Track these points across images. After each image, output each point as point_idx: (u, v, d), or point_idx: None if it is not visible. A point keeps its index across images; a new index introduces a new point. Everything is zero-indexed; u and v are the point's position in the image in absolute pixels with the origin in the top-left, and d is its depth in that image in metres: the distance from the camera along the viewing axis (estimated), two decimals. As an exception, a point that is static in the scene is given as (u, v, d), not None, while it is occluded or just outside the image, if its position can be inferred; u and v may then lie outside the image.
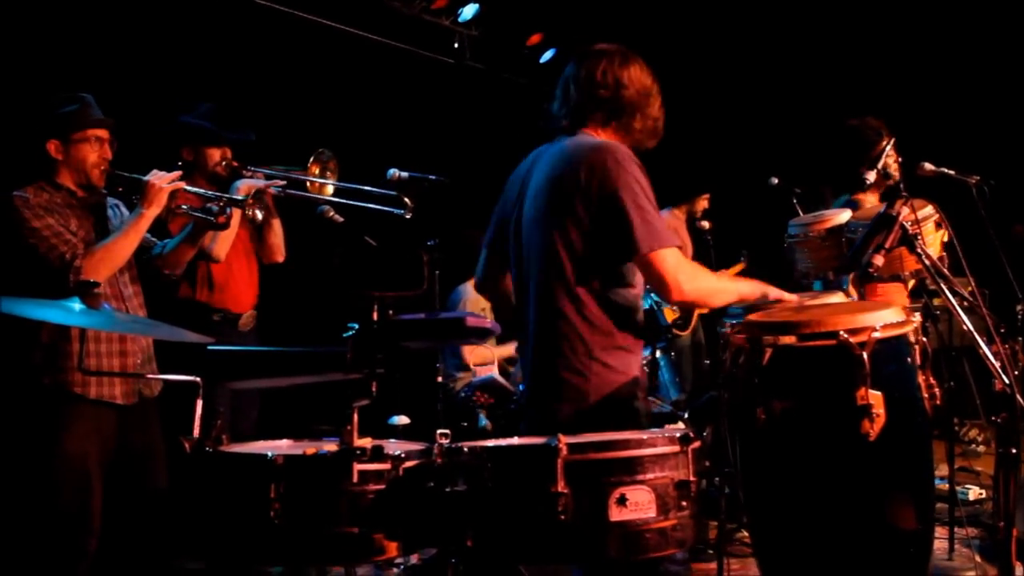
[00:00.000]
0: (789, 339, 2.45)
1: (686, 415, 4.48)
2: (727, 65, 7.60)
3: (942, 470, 6.17)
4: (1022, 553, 4.39)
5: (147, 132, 4.14)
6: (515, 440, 2.16)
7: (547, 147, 2.68)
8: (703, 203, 6.24)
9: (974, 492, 5.47)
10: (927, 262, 2.75)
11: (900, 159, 4.43)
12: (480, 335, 1.97)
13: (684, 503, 2.02)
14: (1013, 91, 7.62)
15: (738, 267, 6.41)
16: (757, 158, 6.29)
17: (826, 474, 2.45)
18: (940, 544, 4.61)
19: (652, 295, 5.15)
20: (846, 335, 2.39)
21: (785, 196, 5.44)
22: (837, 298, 3.01)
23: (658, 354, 4.81)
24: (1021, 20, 7.29)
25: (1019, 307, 5.21)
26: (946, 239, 5.47)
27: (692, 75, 7.59)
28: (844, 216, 3.43)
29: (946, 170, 4.68)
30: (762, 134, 7.38)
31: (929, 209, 3.39)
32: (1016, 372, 3.63)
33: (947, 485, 5.55)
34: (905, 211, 2.81)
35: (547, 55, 6.67)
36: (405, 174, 3.98)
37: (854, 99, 6.56)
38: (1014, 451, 2.58)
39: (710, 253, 6.21)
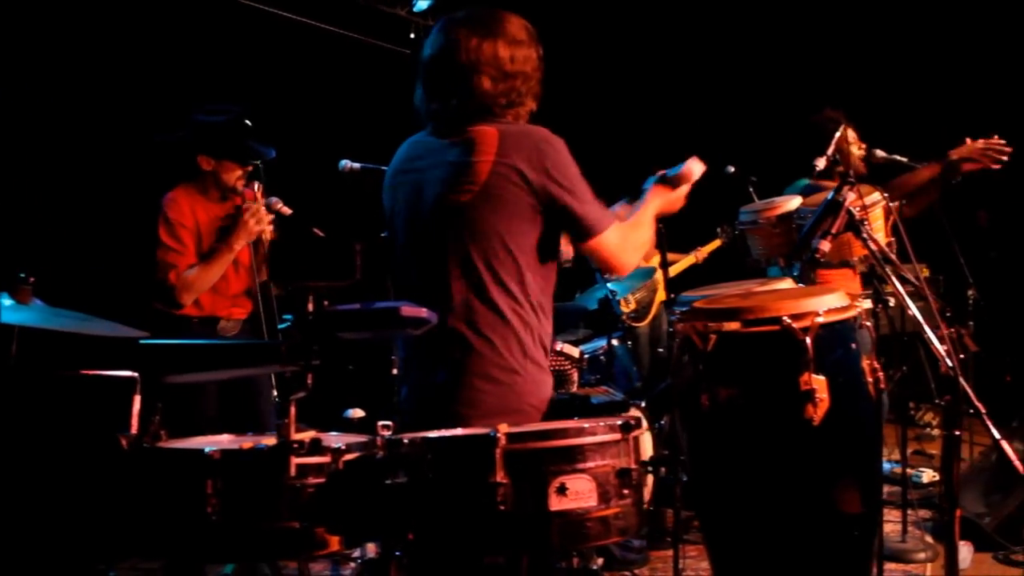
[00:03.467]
0: (733, 325, 2.46)
1: (643, 403, 4.48)
2: (684, 56, 7.60)
3: (897, 454, 6.25)
4: (968, 533, 4.46)
5: (159, 130, 4.02)
6: (455, 431, 2.14)
7: (428, 136, 2.51)
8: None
9: (928, 475, 5.54)
10: (873, 247, 2.76)
11: (864, 145, 4.48)
12: (415, 325, 1.94)
13: (626, 491, 2.01)
14: (977, 77, 7.70)
15: (715, 244, 6.45)
16: (715, 147, 6.30)
17: (771, 459, 2.46)
18: (894, 527, 4.65)
19: (608, 284, 5.15)
20: (789, 320, 2.40)
21: (741, 184, 5.46)
22: (786, 284, 3.02)
23: (616, 343, 4.81)
24: (978, 9, 7.37)
25: (970, 291, 5.27)
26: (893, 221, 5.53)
27: (653, 67, 7.61)
28: (794, 202, 3.45)
29: (897, 157, 4.73)
30: (718, 123, 7.40)
31: (877, 195, 3.40)
32: (962, 356, 3.68)
33: (900, 468, 5.63)
34: (851, 196, 2.82)
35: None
36: (357, 165, 3.93)
37: (810, 87, 6.60)
38: (957, 433, 2.61)
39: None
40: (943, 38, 7.61)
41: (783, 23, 7.59)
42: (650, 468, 4.28)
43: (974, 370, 5.69)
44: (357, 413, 3.94)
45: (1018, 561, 4.28)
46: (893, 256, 3.05)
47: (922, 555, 4.44)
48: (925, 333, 2.63)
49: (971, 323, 5.44)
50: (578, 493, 1.95)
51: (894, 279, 2.70)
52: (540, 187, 2.32)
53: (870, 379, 2.57)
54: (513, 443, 1.94)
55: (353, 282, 1.82)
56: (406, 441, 2.07)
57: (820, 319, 2.42)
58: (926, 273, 6.45)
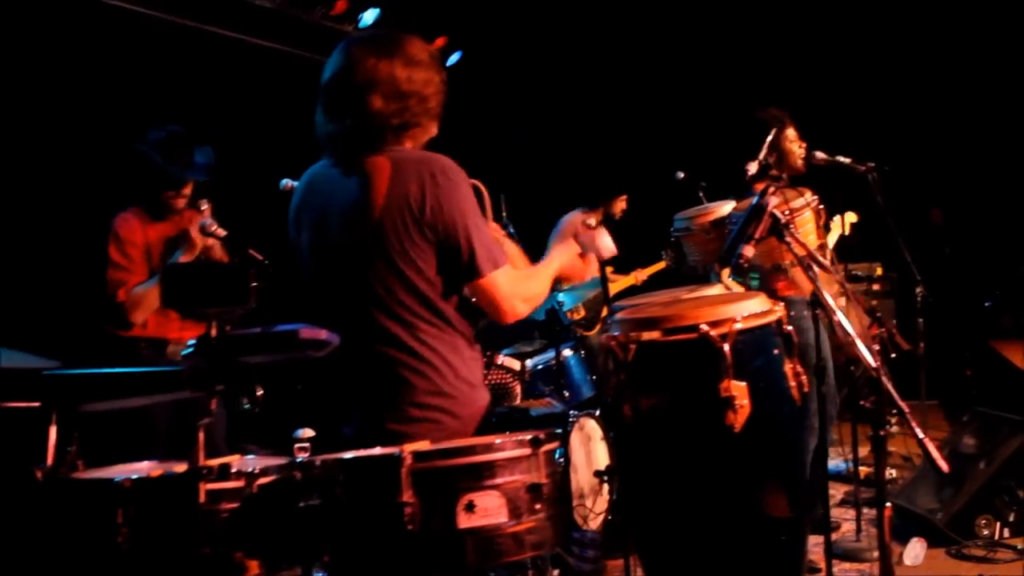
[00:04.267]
0: (653, 335, 2.46)
1: (597, 412, 4.48)
2: (635, 64, 7.63)
3: (859, 451, 6.28)
4: (922, 529, 4.49)
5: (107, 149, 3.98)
6: (363, 451, 2.13)
7: (327, 166, 2.48)
8: (621, 204, 6.25)
9: (886, 472, 5.54)
10: (797, 251, 2.76)
11: (804, 145, 4.50)
12: (315, 347, 1.93)
13: (538, 506, 2.00)
14: (933, 81, 7.78)
15: (659, 266, 6.44)
16: (667, 154, 6.34)
17: (695, 467, 2.46)
18: (849, 526, 4.67)
19: (556, 294, 5.15)
20: (707, 328, 2.40)
21: (691, 190, 5.49)
22: (715, 290, 3.03)
23: (568, 353, 4.81)
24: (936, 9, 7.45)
25: (918, 289, 5.31)
26: (854, 220, 5.57)
27: (605, 78, 7.64)
28: (726, 208, 3.47)
29: (839, 158, 4.77)
30: (670, 129, 7.44)
31: (808, 196, 3.42)
32: (893, 355, 3.72)
33: (866, 468, 5.65)
34: (774, 201, 2.83)
35: (453, 58, 6.64)
36: (297, 183, 3.92)
37: (759, 91, 6.65)
38: (883, 433, 2.63)
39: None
40: (888, 43, 7.69)
41: (731, 28, 7.64)
42: (605, 478, 4.28)
43: (926, 365, 5.75)
44: (307, 433, 3.93)
45: (971, 555, 4.31)
46: (822, 258, 3.06)
47: (876, 554, 4.44)
48: (851, 338, 2.62)
49: (920, 320, 5.47)
50: (487, 510, 1.95)
51: (817, 283, 2.70)
52: (431, 220, 2.29)
53: (793, 383, 2.58)
54: (419, 462, 1.94)
55: (249, 308, 1.81)
56: (319, 463, 2.06)
57: (738, 325, 2.42)
58: (879, 271, 6.52)
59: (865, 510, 5.07)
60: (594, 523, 4.54)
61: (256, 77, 5.88)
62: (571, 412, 4.05)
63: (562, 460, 4.32)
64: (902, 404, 2.58)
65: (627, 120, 7.68)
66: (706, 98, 7.30)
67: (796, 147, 4.43)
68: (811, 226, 3.36)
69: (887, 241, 5.31)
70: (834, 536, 4.68)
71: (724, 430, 2.37)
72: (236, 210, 4.15)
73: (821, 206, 3.51)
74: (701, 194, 5.37)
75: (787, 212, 3.11)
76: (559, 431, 4.04)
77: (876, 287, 6.61)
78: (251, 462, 2.25)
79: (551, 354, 4.82)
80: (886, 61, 7.73)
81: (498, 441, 2.01)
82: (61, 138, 4.90)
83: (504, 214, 4.97)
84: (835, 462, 5.62)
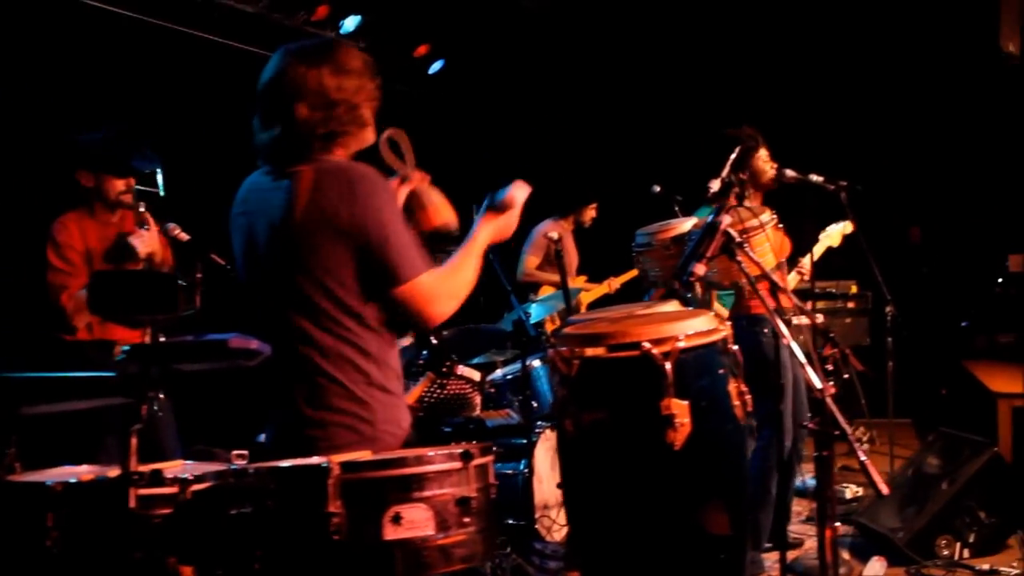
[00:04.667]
0: (597, 351, 2.47)
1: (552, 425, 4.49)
2: (610, 76, 7.66)
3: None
4: (882, 548, 4.50)
5: (43, 150, 3.97)
6: (297, 461, 2.13)
7: (259, 176, 2.50)
8: (591, 212, 6.27)
9: (851, 490, 5.57)
10: (747, 271, 2.77)
11: (776, 165, 4.53)
12: (246, 356, 1.94)
13: (467, 519, 2.01)
14: (914, 101, 7.82)
15: (631, 274, 6.45)
16: (642, 166, 6.37)
17: (636, 483, 2.47)
18: (812, 543, 4.68)
19: (529, 305, 5.17)
20: (648, 345, 2.41)
21: (667, 204, 5.51)
22: (670, 306, 3.03)
23: (537, 364, 4.82)
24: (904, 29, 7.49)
25: (888, 308, 5.33)
26: (849, 231, 5.57)
27: (576, 86, 7.66)
28: (687, 224, 3.48)
29: (814, 177, 4.79)
30: (646, 143, 7.47)
31: (766, 216, 3.43)
32: (846, 376, 3.73)
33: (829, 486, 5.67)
34: (727, 219, 2.84)
35: (436, 66, 6.67)
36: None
37: (741, 107, 6.68)
38: (826, 454, 2.63)
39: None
40: (870, 65, 7.73)
41: (715, 44, 7.67)
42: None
43: (894, 384, 5.77)
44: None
45: (929, 575, 4.32)
46: (776, 278, 3.06)
47: (840, 571, 4.46)
48: (795, 356, 2.62)
49: (889, 339, 5.49)
50: (414, 522, 1.96)
51: (765, 302, 2.70)
52: (350, 227, 2.29)
53: (737, 402, 2.59)
54: (347, 473, 1.95)
55: (175, 316, 1.81)
56: (251, 471, 2.06)
57: (681, 343, 2.43)
58: (854, 289, 6.55)
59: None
60: (558, 535, 4.55)
61: (237, 81, 5.88)
62: (538, 423, 4.06)
63: (526, 471, 4.33)
64: (845, 426, 2.58)
65: (605, 131, 7.71)
66: (689, 112, 7.33)
67: (767, 166, 4.46)
68: (768, 245, 3.36)
69: (862, 259, 5.33)
70: (797, 553, 4.69)
71: (664, 448, 2.38)
72: (209, 214, 4.15)
73: (780, 225, 3.53)
74: (676, 208, 5.39)
75: (744, 231, 3.12)
76: (496, 446, 4.04)
77: (851, 305, 6.63)
78: (189, 468, 2.25)
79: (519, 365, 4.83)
80: (868, 83, 7.78)
81: (429, 454, 2.02)
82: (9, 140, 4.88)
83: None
84: (807, 478, 5.64)
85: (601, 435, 2.47)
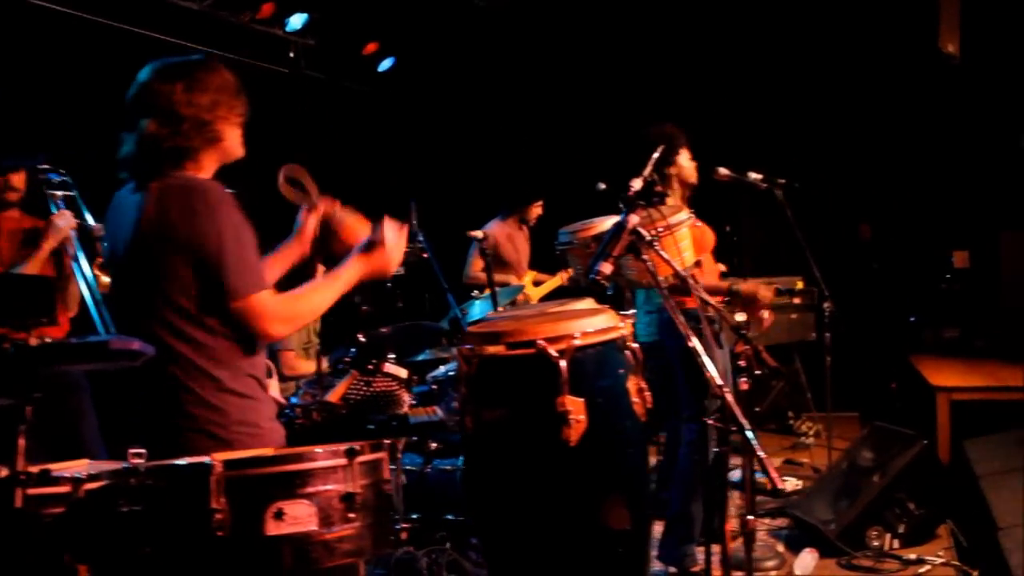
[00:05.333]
0: (496, 349, 2.51)
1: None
2: (560, 74, 7.69)
3: (771, 462, 6.39)
4: (815, 540, 4.58)
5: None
6: (181, 459, 2.17)
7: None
8: (537, 210, 6.31)
9: (791, 483, 5.65)
10: (651, 269, 2.82)
11: (697, 163, 4.58)
12: (128, 357, 1.97)
13: (352, 515, 2.06)
14: (863, 98, 7.91)
15: (564, 275, 6.44)
16: (588, 164, 6.42)
17: (534, 480, 2.52)
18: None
19: (473, 302, 5.21)
20: (544, 343, 2.46)
21: (613, 201, 5.56)
22: (584, 304, 3.08)
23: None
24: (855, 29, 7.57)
25: (826, 304, 5.40)
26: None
27: (521, 84, 7.69)
28: (608, 223, 3.51)
29: (752, 175, 4.86)
30: (592, 140, 7.52)
31: (683, 214, 3.49)
32: (759, 372, 3.80)
33: (767, 478, 5.75)
34: (634, 219, 2.90)
35: (386, 64, 6.69)
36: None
37: (684, 105, 6.75)
38: (720, 449, 2.70)
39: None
40: (820, 65, 7.80)
41: (660, 41, 7.70)
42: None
43: (834, 379, 5.86)
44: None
45: (859, 566, 4.40)
46: (691, 277, 3.12)
47: (770, 563, 4.54)
48: (699, 356, 2.67)
49: (827, 334, 5.57)
50: (297, 518, 2.00)
51: (668, 300, 2.76)
52: (187, 242, 2.35)
53: (636, 399, 2.64)
54: (230, 470, 1.99)
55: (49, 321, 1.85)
56: (143, 469, 2.10)
57: (577, 341, 2.48)
58: (800, 285, 6.63)
59: (767, 520, 5.18)
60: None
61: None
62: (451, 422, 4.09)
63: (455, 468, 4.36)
64: (743, 421, 2.64)
65: (554, 128, 7.75)
66: (638, 109, 7.37)
67: (690, 164, 4.52)
68: (687, 243, 3.42)
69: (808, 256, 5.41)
70: (731, 546, 4.76)
71: (560, 444, 2.43)
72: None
73: (699, 224, 3.58)
74: (621, 205, 5.44)
75: (660, 230, 3.17)
76: (435, 442, 4.09)
77: (796, 301, 6.71)
78: (88, 467, 2.28)
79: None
80: (818, 83, 7.85)
81: (311, 451, 2.06)
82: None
83: (414, 222, 5.02)
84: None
85: (500, 432, 2.52)
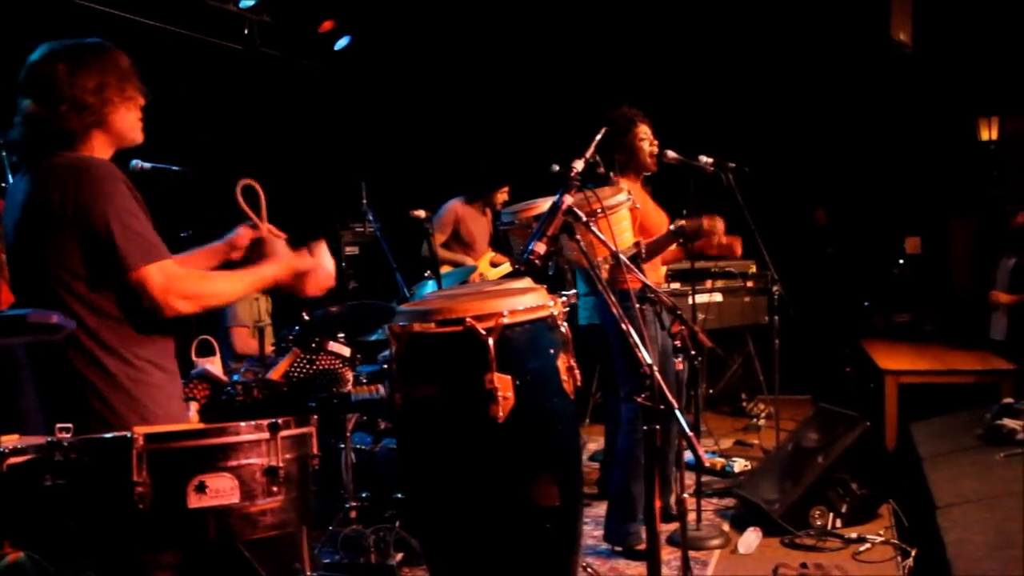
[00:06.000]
0: (425, 326, 2.54)
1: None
2: (515, 58, 7.69)
3: (724, 443, 6.49)
4: (759, 519, 4.63)
5: None
6: (106, 433, 2.18)
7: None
8: (502, 196, 6.33)
9: (740, 464, 5.73)
10: (584, 249, 2.84)
11: (657, 143, 4.62)
12: (48, 331, 1.98)
13: (275, 488, 2.08)
14: (821, 85, 7.99)
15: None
16: (549, 146, 6.44)
17: (463, 457, 2.55)
18: (693, 515, 4.82)
19: (426, 283, 5.22)
20: (472, 321, 2.49)
21: (567, 183, 5.59)
22: (522, 283, 3.11)
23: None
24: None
25: (775, 288, 5.47)
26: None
27: (485, 69, 7.69)
28: (548, 203, 3.54)
29: (703, 158, 4.90)
30: (551, 123, 7.54)
31: (623, 195, 3.52)
32: (694, 352, 3.87)
33: (718, 459, 5.85)
34: (569, 199, 2.92)
35: (342, 42, 6.67)
36: (148, 165, 3.92)
37: (644, 89, 6.78)
38: (649, 427, 2.72)
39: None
40: (777, 54, 7.87)
41: (619, 25, 7.72)
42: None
43: (780, 362, 5.94)
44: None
45: (801, 544, 4.48)
46: (625, 258, 3.14)
47: (715, 542, 4.61)
48: (631, 338, 2.70)
49: (776, 318, 5.65)
50: (218, 491, 2.02)
51: (600, 282, 2.79)
52: (74, 218, 2.32)
53: (565, 377, 2.67)
54: (151, 444, 2.01)
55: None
56: (65, 443, 2.10)
57: (505, 319, 2.51)
58: (753, 269, 6.71)
59: (715, 500, 5.26)
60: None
61: (134, 56, 5.84)
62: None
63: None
64: (672, 401, 2.66)
65: (512, 111, 7.75)
66: (600, 92, 7.39)
67: (647, 145, 4.55)
68: (627, 223, 3.45)
69: (767, 240, 5.47)
70: (677, 525, 4.82)
71: (488, 421, 2.46)
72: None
73: (638, 205, 3.62)
74: (592, 184, 5.47)
75: (598, 211, 3.20)
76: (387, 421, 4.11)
77: (750, 284, 6.79)
78: (17, 442, 2.28)
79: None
80: (774, 69, 7.91)
81: (237, 425, 2.08)
82: None
83: (364, 202, 5.04)
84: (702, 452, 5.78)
85: (429, 409, 2.55)
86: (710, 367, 7.31)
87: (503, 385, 2.47)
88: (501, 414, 2.46)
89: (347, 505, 4.36)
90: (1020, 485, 4.30)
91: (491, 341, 2.47)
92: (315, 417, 2.28)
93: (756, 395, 7.19)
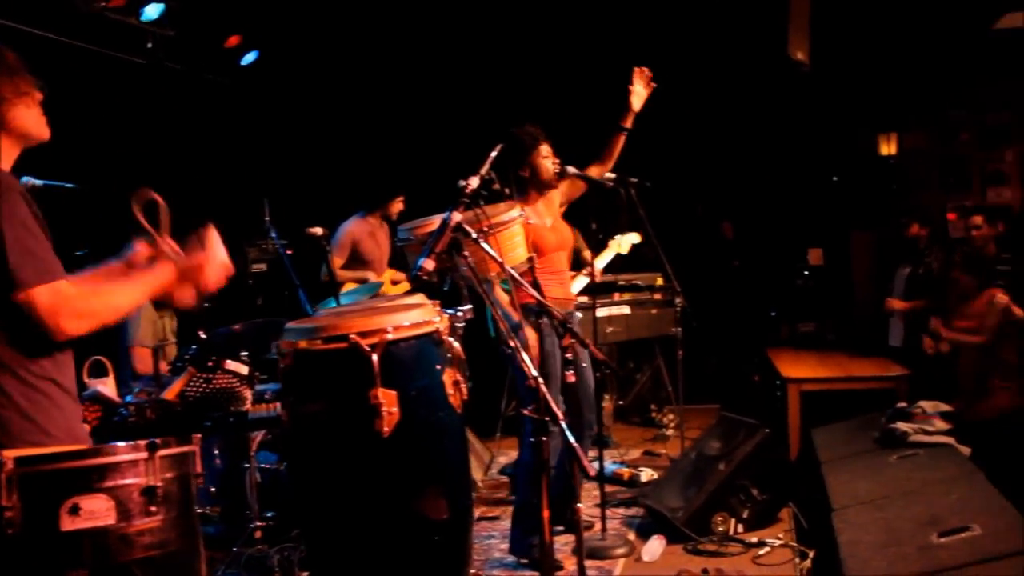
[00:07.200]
0: (311, 343, 2.55)
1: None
2: (414, 71, 7.71)
3: (632, 454, 6.59)
4: (663, 527, 4.73)
5: None
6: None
7: None
8: (398, 205, 6.35)
9: (647, 474, 5.83)
10: (471, 263, 2.89)
11: (558, 161, 4.70)
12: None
13: (153, 508, 2.07)
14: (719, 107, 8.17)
15: None
16: (453, 159, 6.48)
17: (350, 471, 2.56)
18: (597, 525, 4.89)
19: (329, 302, 5.21)
20: (356, 337, 2.51)
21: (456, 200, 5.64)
22: (416, 299, 3.14)
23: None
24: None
25: (678, 300, 5.59)
26: (636, 241, 5.87)
27: (381, 81, 7.71)
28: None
29: (608, 174, 4.99)
30: (457, 136, 7.58)
31: (514, 212, 3.58)
32: (585, 364, 3.94)
33: (626, 469, 5.94)
34: (457, 216, 2.97)
35: (249, 57, 6.63)
36: (40, 182, 3.86)
37: (543, 101, 6.88)
38: (543, 439, 2.78)
39: None
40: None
41: (517, 41, 7.78)
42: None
43: (684, 373, 6.07)
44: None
45: (704, 551, 4.58)
46: (516, 273, 3.19)
47: (620, 550, 4.68)
48: (518, 352, 2.74)
49: (679, 329, 5.77)
50: (93, 513, 2.01)
51: (486, 296, 2.84)
52: None
53: (452, 391, 2.71)
54: (21, 467, 1.98)
55: None
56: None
57: (389, 335, 2.54)
58: (660, 281, 6.85)
59: (622, 510, 5.35)
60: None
61: (33, 67, 5.72)
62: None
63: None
64: (557, 411, 2.73)
65: (416, 126, 7.77)
66: (499, 108, 7.45)
67: (549, 163, 4.63)
68: (520, 239, 3.51)
69: (670, 253, 5.58)
70: (585, 535, 4.88)
71: (373, 436, 2.48)
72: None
73: (531, 222, 3.69)
74: (482, 202, 5.52)
75: (489, 227, 3.25)
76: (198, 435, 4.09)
77: (657, 296, 6.93)
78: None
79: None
80: (682, 88, 8.05)
81: (113, 446, 2.07)
82: None
83: (267, 219, 5.02)
84: (606, 463, 5.87)
85: (316, 426, 2.56)
86: (620, 379, 7.43)
87: (388, 400, 2.50)
88: (386, 429, 2.49)
89: (252, 525, 4.32)
90: (910, 485, 4.47)
91: (375, 357, 2.49)
92: (197, 436, 2.27)
93: (665, 405, 7.32)
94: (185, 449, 2.20)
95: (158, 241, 2.66)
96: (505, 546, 4.68)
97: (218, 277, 2.51)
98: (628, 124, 4.86)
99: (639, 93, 4.85)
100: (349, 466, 2.57)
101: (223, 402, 3.57)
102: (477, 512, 5.32)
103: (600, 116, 7.43)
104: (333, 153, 7.35)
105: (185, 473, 2.20)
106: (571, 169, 4.69)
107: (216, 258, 2.51)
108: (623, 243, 5.98)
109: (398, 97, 7.72)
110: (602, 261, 5.92)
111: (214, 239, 2.54)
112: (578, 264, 6.83)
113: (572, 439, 2.69)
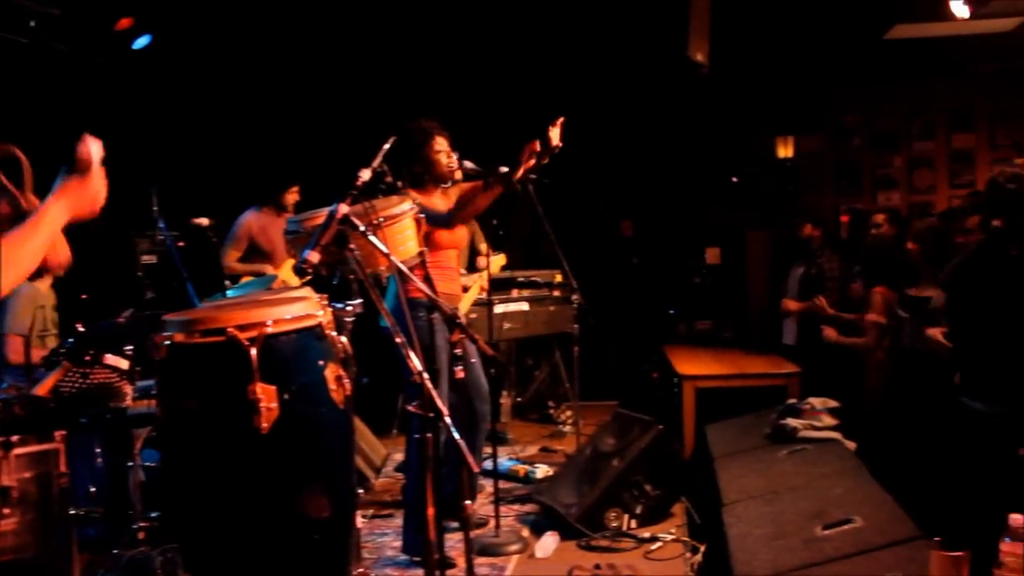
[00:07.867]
0: (187, 337, 2.46)
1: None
2: (313, 61, 7.60)
3: (529, 450, 6.60)
4: (557, 523, 4.74)
5: None
6: None
7: None
8: (292, 196, 6.24)
9: (542, 470, 5.84)
10: (358, 258, 2.83)
11: (454, 155, 4.65)
12: None
13: (6, 510, 1.97)
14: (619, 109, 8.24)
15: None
16: (351, 150, 6.39)
17: (227, 468, 2.48)
18: (491, 522, 4.87)
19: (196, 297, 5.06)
20: (234, 331, 2.43)
21: (374, 188, 5.57)
22: (302, 292, 3.06)
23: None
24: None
25: (574, 297, 5.61)
26: (503, 263, 5.82)
27: (277, 70, 7.57)
28: (333, 213, 3.51)
29: (503, 169, 4.96)
30: (359, 126, 7.48)
31: (406, 205, 3.53)
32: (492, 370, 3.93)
33: (521, 466, 5.94)
34: (344, 208, 2.90)
35: (142, 41, 6.41)
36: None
37: (440, 96, 6.83)
38: (428, 436, 2.73)
39: None
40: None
41: (424, 33, 7.73)
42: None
43: (580, 369, 6.10)
44: None
45: (597, 546, 4.60)
46: (405, 267, 3.14)
47: (513, 547, 4.66)
48: (404, 347, 2.70)
49: (577, 326, 5.79)
50: (-63, 515, 1.89)
51: (371, 290, 2.78)
52: None
53: (334, 387, 2.64)
54: None
55: None
56: None
57: (269, 329, 2.47)
58: (559, 278, 6.87)
59: (517, 506, 5.34)
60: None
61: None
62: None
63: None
64: (441, 407, 2.68)
65: (312, 116, 7.65)
66: (399, 98, 7.37)
67: (444, 157, 4.58)
68: (411, 232, 3.46)
69: (565, 250, 5.58)
70: (479, 532, 4.86)
71: (252, 432, 2.41)
72: None
73: (421, 215, 3.65)
74: (379, 195, 5.45)
75: (381, 219, 3.19)
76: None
77: (556, 294, 6.94)
78: None
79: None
80: (579, 85, 8.11)
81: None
82: None
83: (155, 209, 4.85)
84: (502, 460, 5.87)
85: (192, 421, 2.47)
86: (517, 376, 7.43)
87: (267, 395, 2.42)
88: (265, 425, 2.42)
89: (135, 526, 4.17)
90: (798, 480, 4.57)
91: (254, 351, 2.41)
92: (61, 433, 2.17)
93: (563, 402, 7.35)
94: (46, 447, 2.10)
95: (20, 200, 2.51)
96: (398, 544, 4.62)
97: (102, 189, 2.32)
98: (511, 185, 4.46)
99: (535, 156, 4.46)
100: (226, 464, 2.48)
101: (101, 398, 3.43)
102: (371, 510, 5.25)
103: (499, 112, 7.45)
104: (226, 143, 7.16)
105: (46, 472, 2.09)
106: (467, 163, 4.66)
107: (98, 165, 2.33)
108: (493, 264, 6.00)
109: (294, 87, 7.57)
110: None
111: (93, 145, 2.36)
112: (474, 258, 6.82)
113: (457, 435, 2.65)
